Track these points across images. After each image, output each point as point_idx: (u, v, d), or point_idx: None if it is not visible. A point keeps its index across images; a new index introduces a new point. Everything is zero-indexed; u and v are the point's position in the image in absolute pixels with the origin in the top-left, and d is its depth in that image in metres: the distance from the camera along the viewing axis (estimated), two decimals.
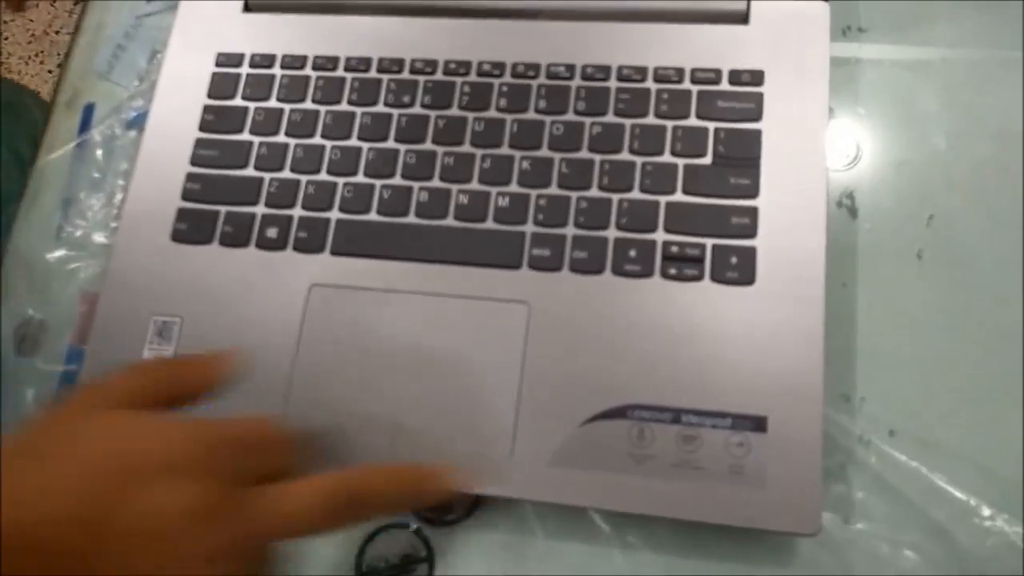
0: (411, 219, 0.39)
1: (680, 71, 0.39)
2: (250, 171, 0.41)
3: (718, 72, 0.39)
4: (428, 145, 0.40)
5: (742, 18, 0.40)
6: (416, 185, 0.39)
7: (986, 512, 0.33)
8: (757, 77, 0.38)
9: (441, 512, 0.36)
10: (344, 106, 0.41)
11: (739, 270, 0.36)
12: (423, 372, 0.36)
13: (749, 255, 0.36)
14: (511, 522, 0.36)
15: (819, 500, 0.32)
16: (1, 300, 0.43)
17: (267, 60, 0.43)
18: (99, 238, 0.44)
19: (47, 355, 0.42)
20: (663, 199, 0.37)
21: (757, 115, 0.38)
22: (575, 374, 0.35)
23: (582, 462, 0.34)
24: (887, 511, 0.34)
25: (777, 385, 0.34)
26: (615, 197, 0.37)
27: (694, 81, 0.39)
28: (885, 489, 0.34)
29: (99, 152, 0.46)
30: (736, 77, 0.39)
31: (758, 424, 0.34)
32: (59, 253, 0.44)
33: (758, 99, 0.38)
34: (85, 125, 0.47)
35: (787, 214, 0.36)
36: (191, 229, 0.40)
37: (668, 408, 0.34)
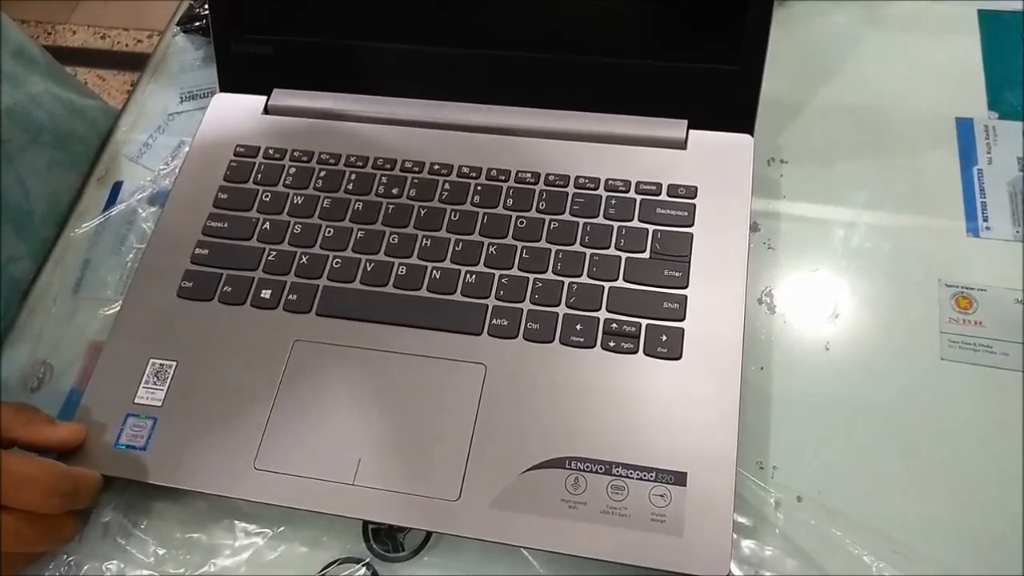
0: (389, 289, 0.44)
1: (627, 183, 0.46)
2: (253, 242, 0.47)
3: (659, 185, 0.46)
4: (410, 229, 0.46)
5: (681, 144, 0.47)
6: (396, 261, 0.45)
7: (877, 566, 0.37)
8: (691, 191, 0.46)
9: (392, 549, 0.40)
10: (341, 194, 0.48)
11: (668, 347, 0.41)
12: (387, 418, 0.41)
13: (677, 335, 0.42)
14: (458, 561, 0.39)
15: (728, 547, 0.36)
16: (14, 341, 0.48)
17: (279, 153, 0.50)
18: (112, 296, 0.49)
19: (48, 395, 0.46)
20: (607, 284, 0.43)
21: (690, 222, 0.45)
22: (521, 427, 0.40)
23: (522, 506, 0.38)
24: (791, 565, 0.38)
25: (697, 447, 0.39)
26: (566, 280, 0.44)
27: (638, 192, 0.46)
28: (790, 546, 0.38)
29: (122, 222, 0.52)
30: (674, 190, 0.46)
31: (679, 479, 0.38)
32: (74, 306, 0.49)
33: (691, 209, 0.45)
34: (113, 199, 0.53)
35: (711, 304, 0.42)
36: (196, 287, 0.46)
37: (601, 461, 0.39)
